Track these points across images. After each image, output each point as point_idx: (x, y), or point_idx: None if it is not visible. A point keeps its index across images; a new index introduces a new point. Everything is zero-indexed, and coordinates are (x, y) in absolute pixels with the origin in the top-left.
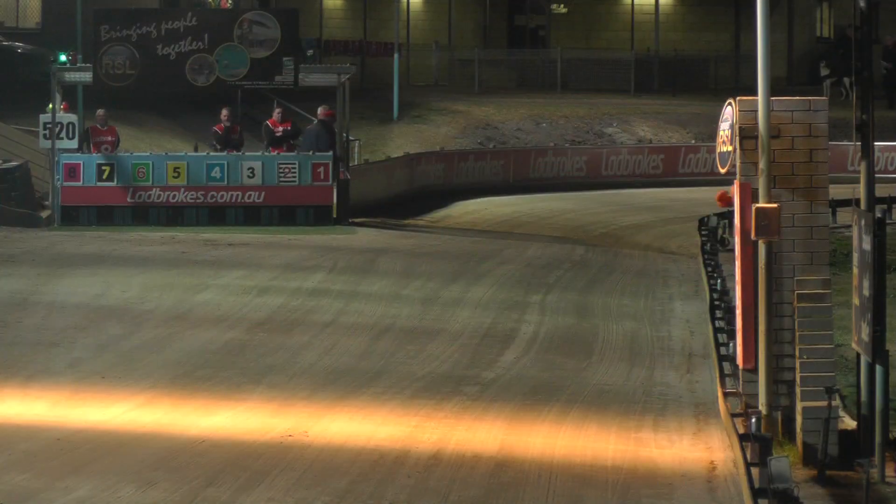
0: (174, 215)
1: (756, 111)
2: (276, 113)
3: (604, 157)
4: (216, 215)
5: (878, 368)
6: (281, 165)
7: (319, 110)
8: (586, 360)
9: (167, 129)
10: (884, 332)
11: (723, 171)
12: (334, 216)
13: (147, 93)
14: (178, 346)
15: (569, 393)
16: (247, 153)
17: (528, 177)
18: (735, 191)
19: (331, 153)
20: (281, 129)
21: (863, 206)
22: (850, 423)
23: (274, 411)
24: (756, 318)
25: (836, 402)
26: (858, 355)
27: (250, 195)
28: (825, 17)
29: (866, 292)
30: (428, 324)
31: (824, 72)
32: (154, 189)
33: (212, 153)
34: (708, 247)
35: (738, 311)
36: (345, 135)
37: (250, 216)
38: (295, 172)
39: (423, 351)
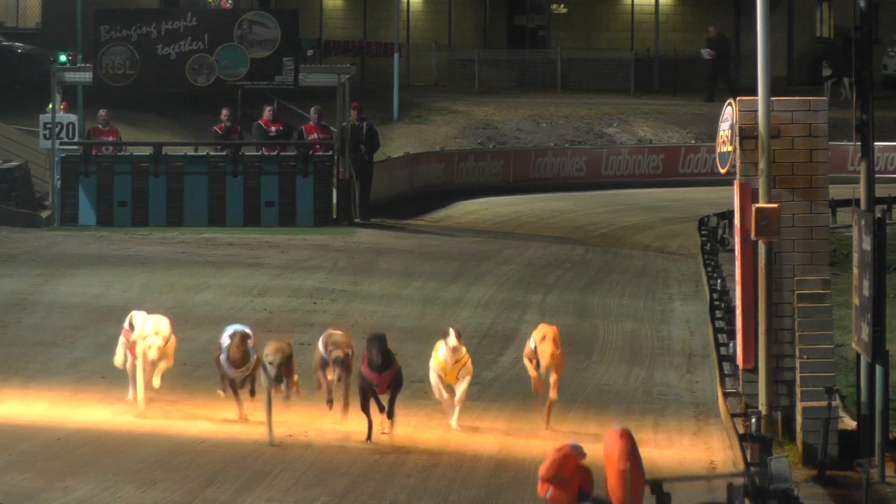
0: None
1: (756, 111)
2: (268, 112)
3: (604, 158)
4: (216, 215)
5: (878, 368)
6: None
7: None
8: (586, 360)
9: (167, 129)
10: (884, 332)
11: (723, 171)
12: (334, 216)
13: (147, 93)
14: (178, 346)
15: (569, 393)
16: (247, 153)
17: (528, 177)
18: (737, 191)
19: (330, 153)
20: (274, 128)
21: (863, 206)
22: (850, 423)
23: (274, 411)
24: (756, 318)
25: (836, 402)
26: (858, 355)
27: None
28: (825, 17)
29: (866, 292)
30: (428, 324)
31: (826, 72)
32: None
33: (212, 153)
34: (708, 246)
35: (738, 311)
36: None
37: (251, 216)
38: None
39: (423, 351)
